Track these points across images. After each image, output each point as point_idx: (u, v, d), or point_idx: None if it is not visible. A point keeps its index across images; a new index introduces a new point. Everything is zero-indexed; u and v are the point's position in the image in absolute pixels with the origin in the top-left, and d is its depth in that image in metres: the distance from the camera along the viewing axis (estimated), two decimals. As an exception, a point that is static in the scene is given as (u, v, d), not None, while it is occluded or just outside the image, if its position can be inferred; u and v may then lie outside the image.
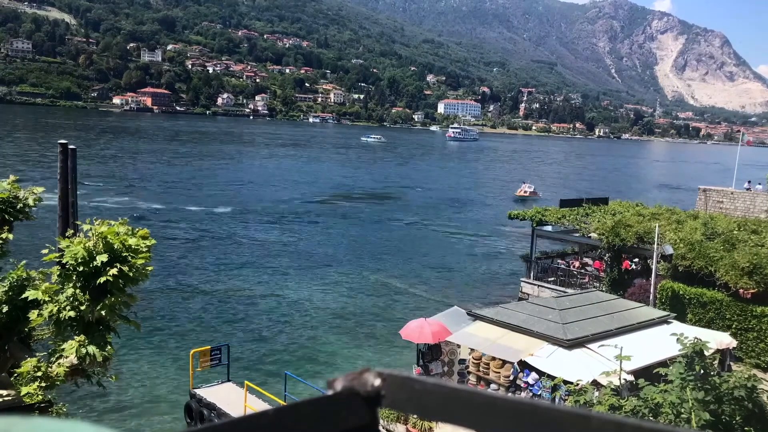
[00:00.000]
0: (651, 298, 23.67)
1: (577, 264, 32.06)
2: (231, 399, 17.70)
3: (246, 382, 17.55)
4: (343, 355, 24.90)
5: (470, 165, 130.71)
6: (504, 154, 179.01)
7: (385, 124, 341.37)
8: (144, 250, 6.46)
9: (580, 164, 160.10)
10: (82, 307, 6.35)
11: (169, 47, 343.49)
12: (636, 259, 29.73)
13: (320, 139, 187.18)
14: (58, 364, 6.57)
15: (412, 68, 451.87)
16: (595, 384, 13.86)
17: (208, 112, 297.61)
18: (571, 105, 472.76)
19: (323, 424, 0.69)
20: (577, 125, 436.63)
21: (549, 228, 32.15)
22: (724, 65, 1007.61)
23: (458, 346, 18.94)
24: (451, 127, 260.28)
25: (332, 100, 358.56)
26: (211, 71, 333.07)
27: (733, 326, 22.33)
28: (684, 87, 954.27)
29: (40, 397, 6.51)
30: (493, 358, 17.90)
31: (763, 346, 22.18)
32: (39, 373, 6.43)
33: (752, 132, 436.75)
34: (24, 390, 6.46)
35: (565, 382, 14.47)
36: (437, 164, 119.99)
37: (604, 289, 26.44)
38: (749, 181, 44.31)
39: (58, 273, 6.58)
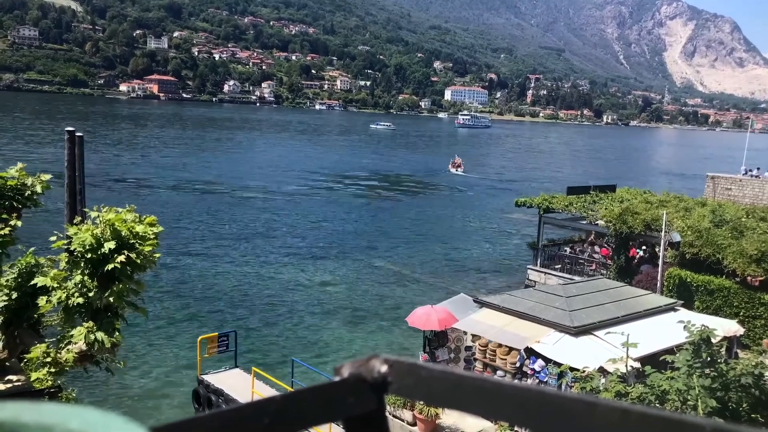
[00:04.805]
0: (658, 285, 23.61)
1: (586, 245, 32.06)
2: (238, 385, 17.79)
3: (253, 368, 17.63)
4: (350, 341, 24.99)
5: (484, 152, 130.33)
6: (517, 141, 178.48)
7: (391, 111, 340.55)
8: (151, 237, 6.48)
9: (588, 151, 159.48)
10: (91, 294, 6.39)
11: (176, 34, 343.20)
12: (643, 247, 29.66)
13: (329, 127, 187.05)
14: (67, 350, 6.62)
15: (419, 55, 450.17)
16: (602, 371, 13.86)
17: (214, 99, 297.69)
18: (578, 92, 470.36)
19: (330, 410, 0.70)
20: (585, 112, 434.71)
21: (556, 215, 32.09)
22: (734, 51, 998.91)
23: (465, 333, 18.97)
24: (461, 114, 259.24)
25: (339, 87, 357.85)
26: (217, 58, 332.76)
27: (741, 314, 22.28)
28: (693, 73, 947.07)
29: (50, 382, 6.56)
30: (500, 345, 17.93)
31: (770, 333, 22.14)
32: (48, 359, 6.48)
33: (761, 118, 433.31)
34: (34, 375, 6.52)
35: (572, 369, 14.47)
36: (450, 151, 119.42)
37: (611, 276, 26.39)
38: (749, 169, 44.02)
39: (66, 260, 6.62)
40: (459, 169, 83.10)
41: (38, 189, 7.37)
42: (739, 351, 19.68)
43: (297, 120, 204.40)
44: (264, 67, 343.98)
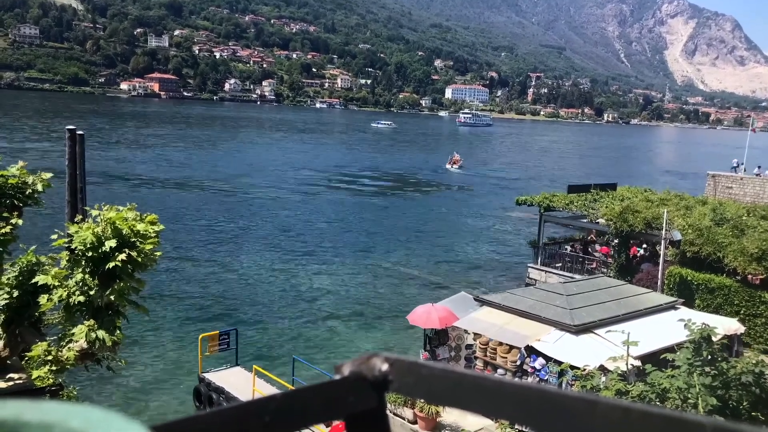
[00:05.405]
0: (659, 283, 23.62)
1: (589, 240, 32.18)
2: (239, 383, 17.83)
3: (254, 366, 17.66)
4: (351, 340, 25.00)
5: (486, 151, 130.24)
6: (518, 140, 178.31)
7: (392, 109, 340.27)
8: (152, 235, 6.48)
9: (589, 150, 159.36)
10: (92, 292, 6.40)
11: (176, 32, 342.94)
12: (644, 245, 29.65)
13: (329, 125, 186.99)
14: (69, 348, 6.63)
15: (420, 53, 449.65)
16: (602, 369, 13.87)
17: (215, 97, 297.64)
18: (579, 90, 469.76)
19: (331, 408, 0.70)
20: (586, 110, 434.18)
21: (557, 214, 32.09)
22: (735, 49, 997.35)
23: (465, 331, 18.98)
24: (462, 113, 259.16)
25: (339, 86, 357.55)
26: (218, 56, 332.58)
27: (742, 312, 22.29)
28: (694, 72, 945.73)
29: (51, 380, 6.57)
30: (500, 344, 17.94)
31: (771, 332, 22.13)
32: (50, 357, 6.49)
33: (762, 117, 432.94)
34: (35, 374, 6.53)
35: (572, 368, 14.48)
36: (452, 150, 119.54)
37: (611, 274, 26.39)
38: (741, 163, 44.00)
39: (67, 258, 6.62)
40: (455, 166, 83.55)
41: (39, 187, 7.37)
42: (739, 349, 19.66)
43: (298, 118, 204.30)
44: (265, 66, 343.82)
